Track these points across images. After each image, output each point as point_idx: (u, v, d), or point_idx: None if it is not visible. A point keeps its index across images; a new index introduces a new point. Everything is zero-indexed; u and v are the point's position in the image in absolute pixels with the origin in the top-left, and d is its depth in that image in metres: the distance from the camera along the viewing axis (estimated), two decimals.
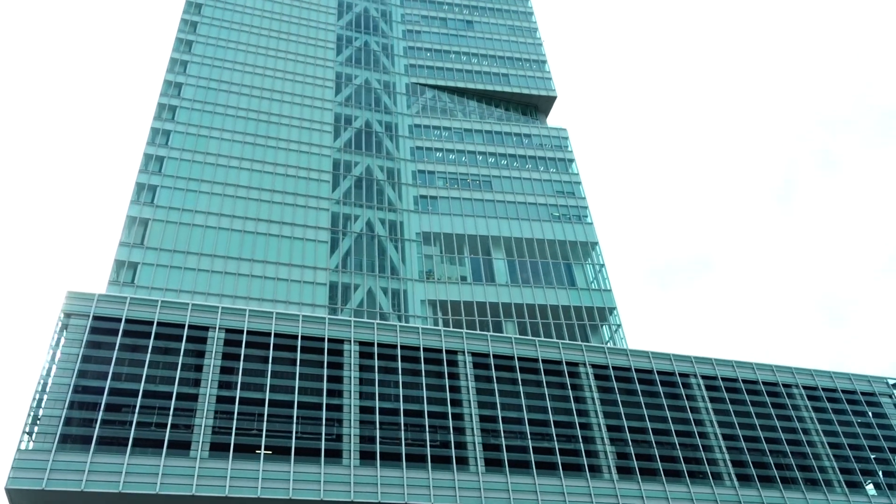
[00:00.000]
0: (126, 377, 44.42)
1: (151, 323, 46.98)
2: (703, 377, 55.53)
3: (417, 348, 50.80)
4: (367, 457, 44.46)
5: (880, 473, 54.73)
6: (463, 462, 46.08)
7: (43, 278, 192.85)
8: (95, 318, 46.04)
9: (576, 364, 53.18)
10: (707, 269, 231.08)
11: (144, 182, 68.29)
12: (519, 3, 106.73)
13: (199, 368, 46.34)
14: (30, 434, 40.48)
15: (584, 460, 48.00)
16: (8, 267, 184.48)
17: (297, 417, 45.17)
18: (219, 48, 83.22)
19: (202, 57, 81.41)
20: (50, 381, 42.89)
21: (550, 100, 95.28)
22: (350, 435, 44.95)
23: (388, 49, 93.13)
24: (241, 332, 48.29)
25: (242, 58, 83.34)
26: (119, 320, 46.37)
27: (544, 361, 52.51)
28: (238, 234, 67.72)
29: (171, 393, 44.00)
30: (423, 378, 49.28)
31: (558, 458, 47.42)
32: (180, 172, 70.18)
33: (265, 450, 43.45)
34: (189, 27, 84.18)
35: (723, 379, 55.99)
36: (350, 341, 49.66)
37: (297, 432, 44.32)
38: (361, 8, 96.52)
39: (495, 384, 50.27)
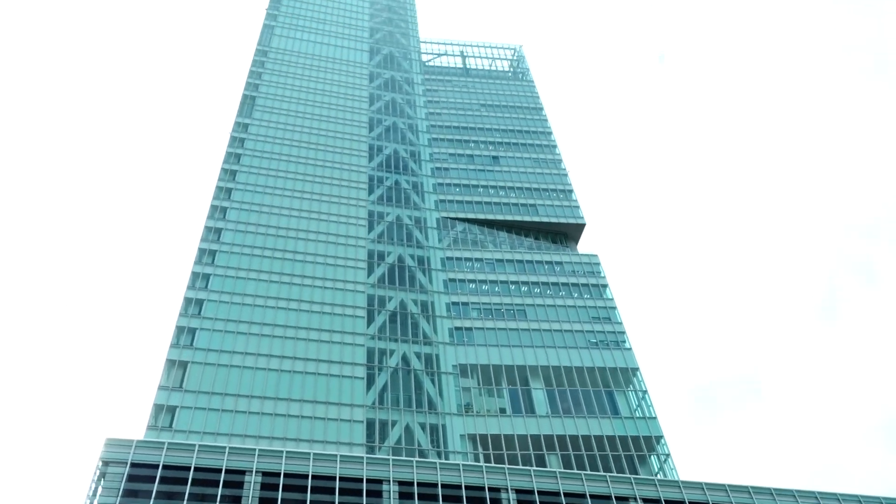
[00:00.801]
0: None
1: (188, 468, 46.24)
2: None
3: (459, 486, 49.02)
4: None
5: None
6: None
7: (83, 424, 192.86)
8: (133, 465, 45.51)
9: (626, 499, 50.67)
10: (754, 388, 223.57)
11: (184, 325, 69.38)
12: (542, 137, 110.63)
13: None
14: None
15: None
16: (47, 413, 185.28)
17: None
18: (256, 193, 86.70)
19: (240, 203, 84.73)
20: None
21: (579, 227, 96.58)
22: None
23: (417, 186, 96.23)
24: (278, 474, 47.21)
25: (279, 202, 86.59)
26: (157, 467, 45.75)
27: (592, 497, 50.15)
28: (275, 373, 67.76)
29: None
30: None
31: None
32: (219, 314, 71.35)
33: None
34: (228, 175, 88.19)
35: None
36: (389, 481, 48.19)
37: None
38: (391, 150, 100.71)
39: None
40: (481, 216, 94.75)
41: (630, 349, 78.79)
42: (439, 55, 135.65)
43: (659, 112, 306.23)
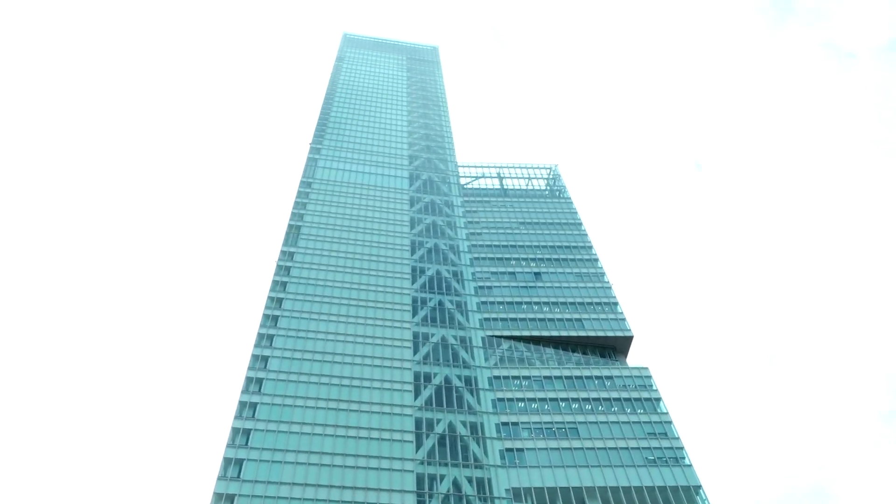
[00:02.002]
0: None
1: None
2: None
3: None
4: None
5: None
6: None
7: None
8: None
9: None
10: (828, 499, 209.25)
11: (231, 456, 68.73)
12: (583, 252, 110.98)
13: None
14: None
15: None
16: None
17: None
18: (302, 320, 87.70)
19: (286, 329, 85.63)
20: None
21: (627, 340, 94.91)
22: None
23: (461, 306, 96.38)
24: None
25: (324, 327, 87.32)
26: None
27: None
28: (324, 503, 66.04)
29: None
30: None
31: None
32: (266, 444, 70.67)
33: None
34: (274, 304, 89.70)
35: None
36: None
37: None
38: (434, 271, 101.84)
39: None
40: (526, 333, 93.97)
41: (690, 465, 75.17)
42: (477, 178, 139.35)
43: (697, 220, 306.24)
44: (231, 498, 64.84)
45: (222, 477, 66.49)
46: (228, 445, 69.90)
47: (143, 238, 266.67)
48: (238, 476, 66.92)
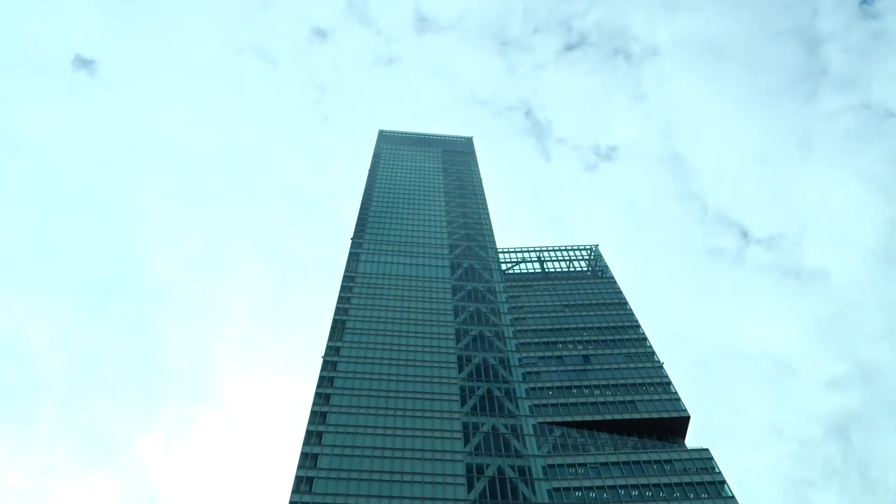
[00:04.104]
0: None
1: None
2: None
3: None
4: None
5: None
6: None
7: None
8: None
9: None
10: None
11: None
12: (631, 331, 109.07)
13: None
14: None
15: None
16: None
17: None
18: (350, 415, 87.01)
19: (335, 426, 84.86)
20: None
21: (683, 421, 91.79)
22: None
23: (510, 393, 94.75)
24: None
25: (373, 421, 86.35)
26: None
27: None
28: None
29: None
30: None
31: None
32: None
33: None
34: (322, 399, 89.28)
35: None
36: None
37: None
38: (480, 359, 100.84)
39: None
40: (579, 418, 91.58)
41: None
42: (518, 262, 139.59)
43: (741, 293, 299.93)
44: None
45: None
46: None
47: (192, 338, 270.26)
48: None
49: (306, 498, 74.53)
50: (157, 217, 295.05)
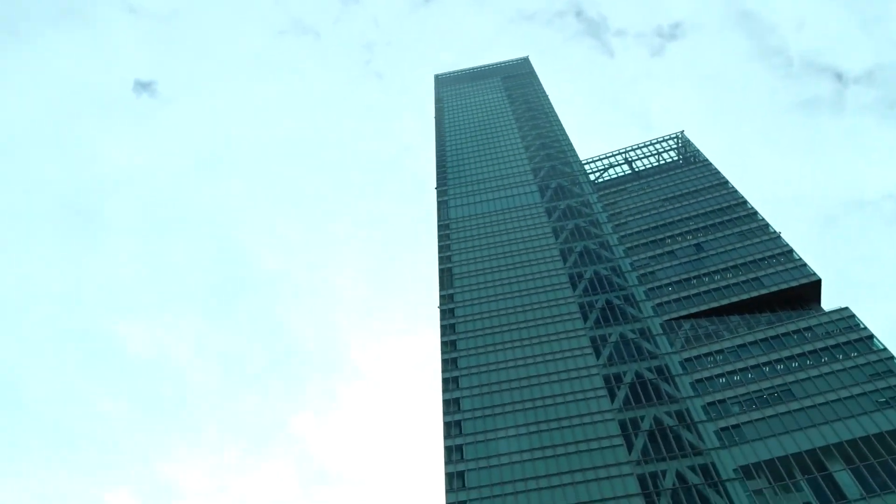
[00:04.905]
0: None
1: None
2: None
3: None
4: None
5: None
6: None
7: None
8: None
9: None
10: None
11: (453, 501, 70.07)
12: (738, 209, 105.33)
13: None
14: None
15: None
16: None
17: None
18: (480, 355, 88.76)
19: (468, 368, 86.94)
20: None
21: (815, 286, 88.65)
22: None
23: (630, 299, 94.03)
24: None
25: (502, 356, 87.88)
26: None
27: None
28: None
29: None
30: None
31: None
32: (482, 482, 71.49)
33: None
34: (449, 347, 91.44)
35: None
36: None
37: None
38: (591, 273, 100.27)
39: None
40: (704, 307, 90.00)
41: None
42: (605, 169, 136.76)
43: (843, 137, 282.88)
44: None
45: None
46: (448, 491, 71.31)
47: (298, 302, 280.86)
48: None
49: (458, 440, 77.07)
50: (252, 215, 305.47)
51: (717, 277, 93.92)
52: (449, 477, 73.04)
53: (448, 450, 76.55)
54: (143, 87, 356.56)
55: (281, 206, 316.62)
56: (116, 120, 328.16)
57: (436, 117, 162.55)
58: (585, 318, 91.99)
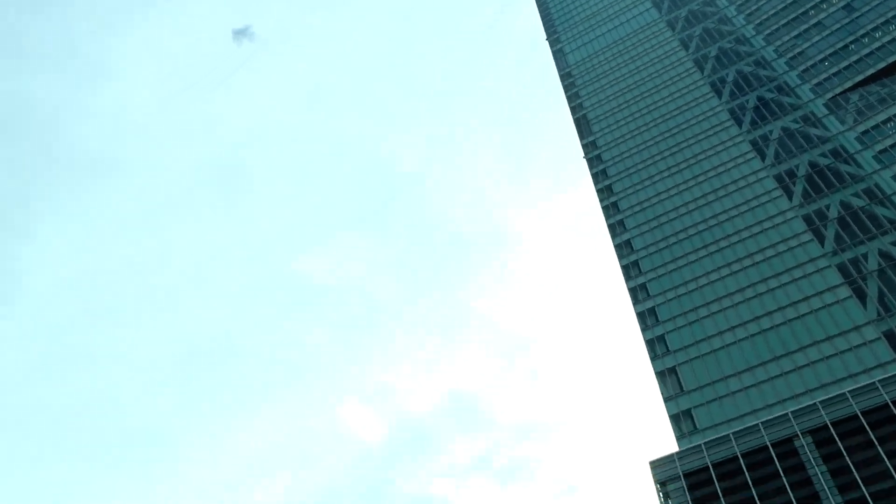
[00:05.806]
0: None
1: (735, 459, 45.95)
2: None
3: None
4: None
5: None
6: None
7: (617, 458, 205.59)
8: (687, 475, 46.82)
9: None
10: None
11: (651, 336, 70.81)
12: None
13: (805, 483, 43.09)
14: None
15: None
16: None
17: None
18: (640, 191, 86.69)
19: (632, 207, 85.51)
20: None
21: None
22: None
23: (783, 88, 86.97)
24: (824, 427, 44.32)
25: (663, 185, 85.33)
26: (707, 469, 46.40)
27: None
28: (759, 337, 64.74)
29: None
30: None
31: None
32: (674, 311, 71.53)
33: None
34: (605, 193, 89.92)
35: None
36: None
37: None
38: (733, 74, 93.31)
39: None
40: (871, 71, 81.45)
41: None
42: None
43: None
44: (673, 370, 66.78)
45: (654, 357, 68.72)
46: (644, 329, 72.09)
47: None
48: (667, 351, 68.53)
49: (636, 274, 76.94)
50: (376, 125, 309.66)
51: (878, 35, 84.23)
52: (640, 316, 73.55)
53: (632, 291, 76.74)
54: (241, 33, 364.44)
55: (400, 109, 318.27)
56: (234, 75, 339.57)
57: None
58: (740, 123, 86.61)
